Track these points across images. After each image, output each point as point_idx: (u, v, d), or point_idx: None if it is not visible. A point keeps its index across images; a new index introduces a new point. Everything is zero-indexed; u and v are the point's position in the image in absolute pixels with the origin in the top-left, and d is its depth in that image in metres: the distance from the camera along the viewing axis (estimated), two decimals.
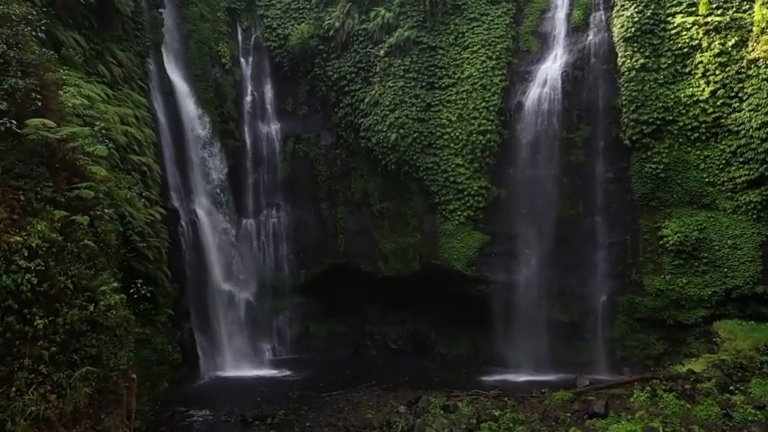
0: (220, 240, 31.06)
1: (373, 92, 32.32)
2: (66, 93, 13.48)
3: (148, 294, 14.23)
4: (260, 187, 34.61)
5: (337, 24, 33.44)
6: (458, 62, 31.35)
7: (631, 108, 27.72)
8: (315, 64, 34.29)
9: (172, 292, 25.29)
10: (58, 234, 10.65)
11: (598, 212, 28.94)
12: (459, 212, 30.44)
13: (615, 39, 28.54)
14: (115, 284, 11.47)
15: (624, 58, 28.05)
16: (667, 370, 22.15)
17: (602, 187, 28.90)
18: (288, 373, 29.74)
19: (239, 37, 35.43)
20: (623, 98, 27.96)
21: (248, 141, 34.58)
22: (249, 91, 35.29)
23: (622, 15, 28.27)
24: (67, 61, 18.91)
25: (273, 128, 35.36)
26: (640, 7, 27.87)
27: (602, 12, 29.56)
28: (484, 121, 30.15)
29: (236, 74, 34.62)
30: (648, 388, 19.59)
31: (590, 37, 29.56)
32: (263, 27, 35.22)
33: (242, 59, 35.33)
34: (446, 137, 30.80)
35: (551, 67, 30.03)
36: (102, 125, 13.84)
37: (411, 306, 33.17)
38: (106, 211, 12.23)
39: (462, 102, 30.80)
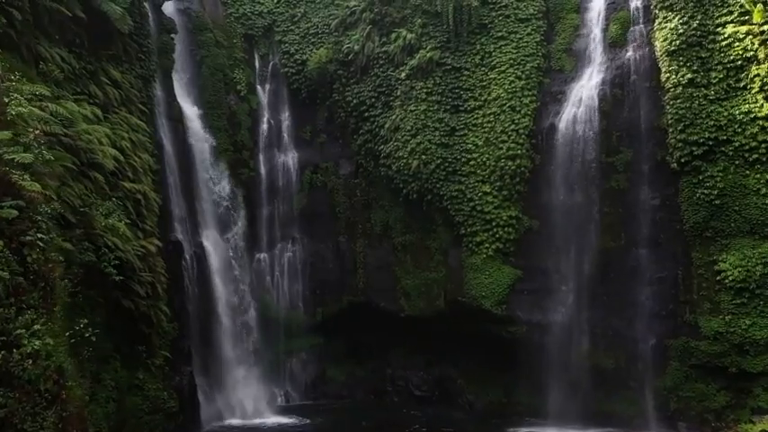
0: (229, 276, 28.99)
1: (394, 117, 30.39)
2: (11, 101, 11.63)
3: (93, 338, 11.92)
4: (275, 219, 32.72)
5: (357, 48, 31.82)
6: (484, 83, 29.27)
7: (679, 128, 24.94)
8: (333, 89, 32.66)
9: (170, 332, 23.26)
10: None
11: (644, 244, 26.01)
12: (487, 245, 27.90)
13: (658, 53, 26.03)
14: (38, 327, 9.20)
15: (669, 74, 25.44)
16: (735, 430, 18.69)
17: (647, 216, 26.02)
18: (299, 421, 27.22)
19: (256, 64, 34.17)
20: (669, 117, 25.25)
21: (263, 171, 32.85)
22: (265, 119, 33.75)
23: (665, 28, 25.75)
24: (47, 77, 17.31)
25: (290, 157, 33.59)
26: (685, 18, 25.29)
27: (642, 25, 27.14)
28: (513, 145, 27.78)
29: (251, 101, 33.17)
30: None
31: (629, 52, 27.13)
32: (281, 53, 33.89)
33: (258, 86, 33.94)
34: (472, 163, 28.57)
35: (587, 86, 27.66)
36: (38, 131, 11.87)
37: (436, 348, 30.54)
38: (40, 236, 10.07)
39: (489, 125, 28.54)
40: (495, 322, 27.99)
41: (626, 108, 26.79)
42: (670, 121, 25.19)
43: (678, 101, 25.02)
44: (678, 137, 24.95)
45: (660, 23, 26.02)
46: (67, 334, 11.53)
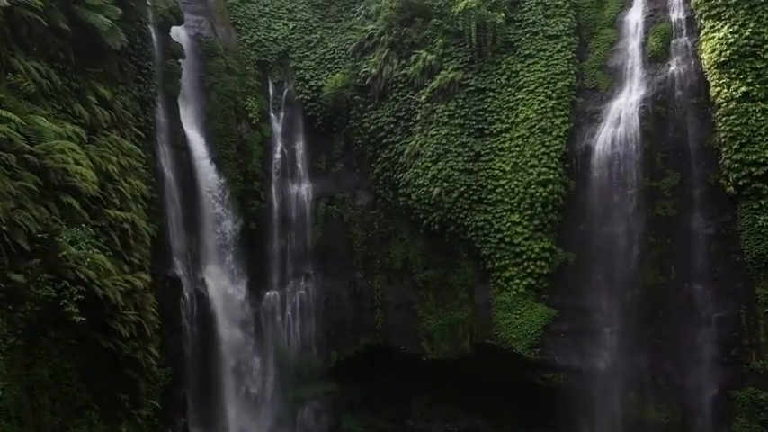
0: (235, 315, 26.66)
1: (414, 142, 28.34)
2: None
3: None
4: (287, 254, 30.54)
5: (374, 71, 30.08)
6: (511, 104, 27.22)
7: (734, 146, 22.26)
8: (350, 116, 30.84)
9: (162, 378, 20.84)
10: None
11: (698, 279, 23.14)
12: (517, 280, 25.41)
13: (705, 66, 23.63)
14: None
15: (719, 88, 22.94)
16: None
17: (700, 247, 23.19)
18: None
19: (270, 91, 32.64)
20: (722, 135, 22.64)
21: (275, 203, 30.86)
22: (278, 148, 31.94)
23: (713, 38, 23.39)
24: (16, 90, 15.55)
25: (304, 188, 31.59)
26: (736, 27, 22.90)
27: (686, 37, 24.86)
28: (544, 170, 25.38)
29: (264, 130, 31.45)
30: None
31: (672, 67, 24.81)
32: (296, 80, 32.35)
33: (272, 115, 32.28)
34: (499, 190, 26.33)
35: (625, 104, 25.35)
36: None
37: (463, 396, 27.97)
38: None
39: (518, 149, 26.22)
40: (528, 368, 25.42)
41: (671, 127, 24.27)
42: (723, 140, 22.56)
43: (732, 117, 22.44)
44: (733, 157, 22.21)
45: (707, 34, 23.70)
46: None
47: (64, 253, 13.81)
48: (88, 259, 14.32)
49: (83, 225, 15.03)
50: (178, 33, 28.65)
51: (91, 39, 19.74)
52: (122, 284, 17.97)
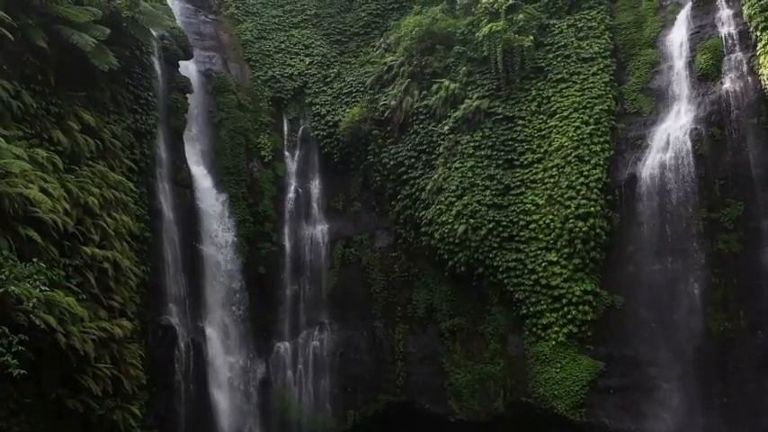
0: (238, 369, 23.97)
1: (436, 176, 25.94)
2: None
3: None
4: (299, 301, 27.81)
5: (393, 103, 28.08)
6: (543, 132, 24.77)
7: None
8: (368, 151, 28.68)
9: None
10: None
11: None
12: (556, 328, 22.17)
13: (765, 82, 20.94)
14: None
15: None
16: None
17: None
18: None
19: (284, 128, 30.77)
20: None
21: (287, 245, 28.42)
22: (293, 187, 29.74)
23: None
24: None
25: (320, 229, 29.15)
26: None
27: (740, 52, 22.40)
28: (584, 202, 22.58)
29: (277, 168, 29.46)
30: None
31: (726, 85, 22.18)
32: (312, 115, 30.44)
33: (286, 152, 30.28)
34: (532, 226, 23.51)
35: (674, 127, 22.71)
36: None
37: None
38: None
39: (552, 180, 23.57)
40: (573, 431, 21.66)
41: (729, 150, 21.37)
42: None
43: None
44: None
45: (765, 47, 21.17)
46: None
47: (2, 291, 11.48)
48: (34, 299, 11.92)
49: (34, 260, 12.71)
50: (188, 68, 27.36)
51: (77, 61, 18.14)
52: (95, 332, 15.65)
